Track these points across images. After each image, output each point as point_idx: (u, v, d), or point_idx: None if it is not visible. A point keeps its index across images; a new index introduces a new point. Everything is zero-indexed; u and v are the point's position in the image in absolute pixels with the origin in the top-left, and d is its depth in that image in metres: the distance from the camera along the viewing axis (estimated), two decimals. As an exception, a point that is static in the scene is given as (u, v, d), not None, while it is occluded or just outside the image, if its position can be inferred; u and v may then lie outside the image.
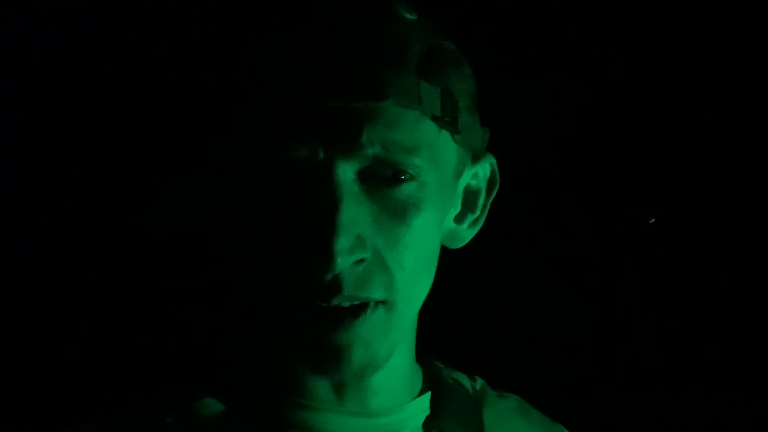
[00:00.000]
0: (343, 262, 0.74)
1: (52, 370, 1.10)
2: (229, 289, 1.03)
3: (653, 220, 1.24)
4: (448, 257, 0.87)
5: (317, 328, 0.77)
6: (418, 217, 0.77)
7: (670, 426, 1.21)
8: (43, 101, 1.14)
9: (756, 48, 1.23)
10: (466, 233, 0.87)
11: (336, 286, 0.75)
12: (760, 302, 1.24)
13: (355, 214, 0.75)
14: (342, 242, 0.74)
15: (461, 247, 0.88)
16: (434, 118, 0.77)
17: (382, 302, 0.78)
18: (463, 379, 0.95)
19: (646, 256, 1.25)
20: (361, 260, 0.76)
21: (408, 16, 0.79)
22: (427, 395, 0.89)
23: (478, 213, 0.87)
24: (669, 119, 1.26)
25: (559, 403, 0.96)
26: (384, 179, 0.76)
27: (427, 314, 0.88)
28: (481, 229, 0.88)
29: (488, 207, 0.87)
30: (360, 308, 0.77)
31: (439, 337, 0.92)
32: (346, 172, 0.75)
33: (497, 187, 0.87)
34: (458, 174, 0.83)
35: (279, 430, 0.83)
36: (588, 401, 1.17)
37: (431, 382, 0.91)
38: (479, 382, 0.96)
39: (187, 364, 0.99)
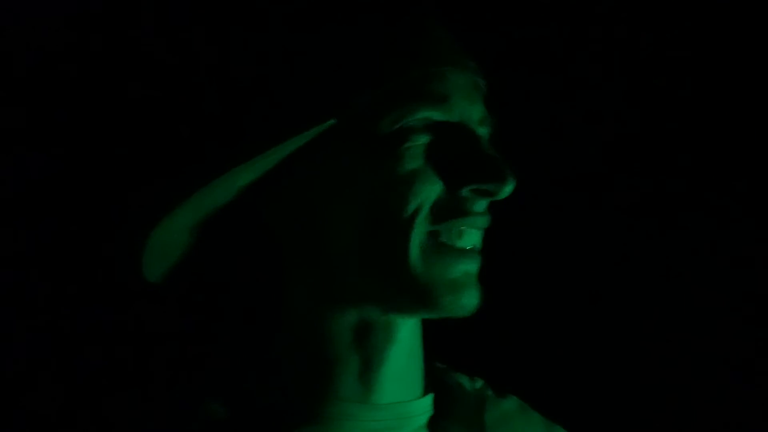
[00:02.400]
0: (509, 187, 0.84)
1: (66, 372, 1.10)
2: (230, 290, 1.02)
3: None
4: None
5: (460, 264, 0.83)
6: None
7: (672, 427, 1.22)
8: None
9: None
10: None
11: (482, 218, 0.86)
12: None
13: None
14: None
15: None
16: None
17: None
18: (464, 381, 0.96)
19: (647, 250, 1.26)
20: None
21: None
22: (431, 396, 0.90)
23: None
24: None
25: (558, 404, 0.97)
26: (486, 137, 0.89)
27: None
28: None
29: None
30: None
31: (439, 337, 0.92)
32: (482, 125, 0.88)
33: None
34: None
35: (282, 419, 0.85)
36: (588, 402, 1.17)
37: (434, 384, 0.92)
38: (479, 383, 0.97)
39: (193, 365, 0.98)
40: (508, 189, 0.83)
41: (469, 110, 0.86)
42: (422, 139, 0.83)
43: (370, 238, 0.82)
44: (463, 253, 0.84)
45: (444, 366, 0.96)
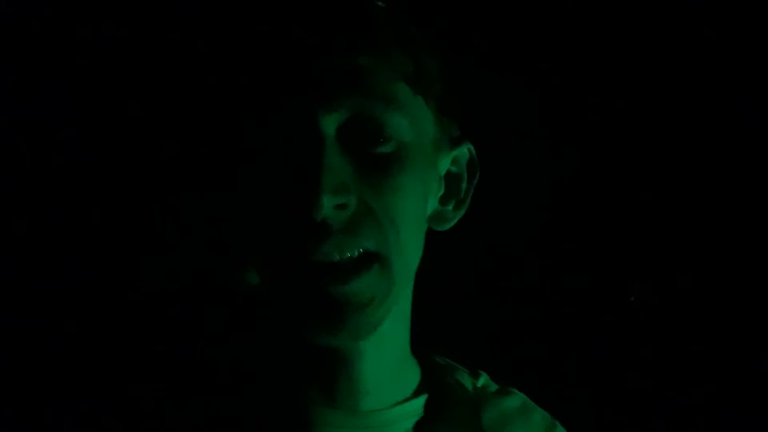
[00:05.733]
0: (328, 201, 0.76)
1: (69, 374, 1.09)
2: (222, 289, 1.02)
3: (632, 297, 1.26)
4: (448, 252, 0.88)
5: (313, 283, 0.78)
6: (401, 175, 0.80)
7: (672, 425, 1.22)
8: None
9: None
10: (452, 215, 0.89)
11: (325, 229, 0.77)
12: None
13: (338, 163, 0.77)
14: (326, 181, 0.76)
15: (468, 245, 0.92)
16: (408, 81, 0.81)
17: (375, 255, 0.79)
18: (464, 378, 0.94)
19: (645, 250, 1.26)
20: (345, 205, 0.77)
21: (379, 3, 0.84)
22: (422, 398, 0.89)
23: (461, 196, 0.90)
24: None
25: (560, 400, 0.96)
26: (365, 137, 0.79)
27: (430, 307, 0.89)
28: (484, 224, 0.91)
29: (471, 191, 0.90)
30: (357, 262, 0.78)
31: (443, 331, 0.92)
32: (329, 125, 0.78)
33: (478, 172, 0.90)
34: (437, 148, 0.86)
35: (269, 425, 0.84)
36: (589, 398, 1.17)
37: (430, 383, 0.90)
38: (482, 379, 0.95)
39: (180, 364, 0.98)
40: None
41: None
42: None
43: None
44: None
45: (445, 362, 0.95)
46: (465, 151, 0.90)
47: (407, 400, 0.88)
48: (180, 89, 1.04)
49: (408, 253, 0.82)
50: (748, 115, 1.24)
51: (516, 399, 0.96)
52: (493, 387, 0.96)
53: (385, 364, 0.86)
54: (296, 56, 0.78)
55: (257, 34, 0.81)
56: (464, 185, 0.90)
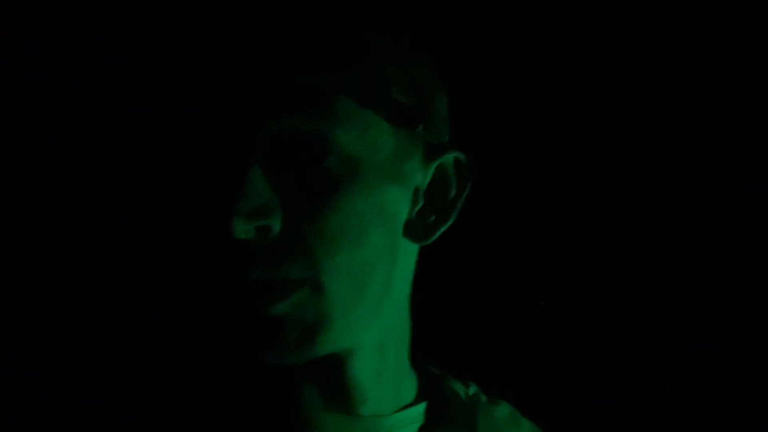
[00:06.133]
0: (241, 226, 0.74)
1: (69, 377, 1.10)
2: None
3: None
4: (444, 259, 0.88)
5: (249, 304, 0.76)
6: (342, 192, 0.77)
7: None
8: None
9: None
10: (432, 228, 0.86)
11: (249, 252, 0.75)
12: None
13: (260, 185, 0.75)
14: (241, 203, 0.74)
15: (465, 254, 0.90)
16: (354, 92, 0.77)
17: (300, 283, 0.76)
18: (459, 388, 0.95)
19: (642, 257, 1.26)
20: (267, 228, 0.75)
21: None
22: (422, 405, 0.89)
23: (445, 209, 0.86)
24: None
25: (549, 409, 0.97)
26: (304, 155, 0.76)
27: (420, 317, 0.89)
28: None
29: (459, 203, 0.87)
30: (285, 285, 0.76)
31: (432, 341, 0.92)
32: (260, 143, 0.75)
33: (469, 183, 0.87)
34: (401, 159, 0.82)
35: (269, 429, 0.83)
36: (578, 407, 1.18)
37: (427, 391, 0.91)
38: (472, 389, 0.96)
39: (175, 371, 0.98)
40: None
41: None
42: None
43: None
44: None
45: (439, 372, 0.96)
46: (450, 160, 0.86)
47: (407, 406, 0.89)
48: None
49: (355, 273, 0.78)
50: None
51: (505, 408, 0.97)
52: (483, 397, 0.97)
53: (384, 374, 0.86)
54: (228, 66, 0.76)
55: (190, 46, 0.78)
56: (450, 196, 0.86)
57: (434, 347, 0.94)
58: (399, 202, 0.83)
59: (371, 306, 0.81)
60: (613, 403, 1.22)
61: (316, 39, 0.77)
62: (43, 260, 1.14)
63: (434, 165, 0.85)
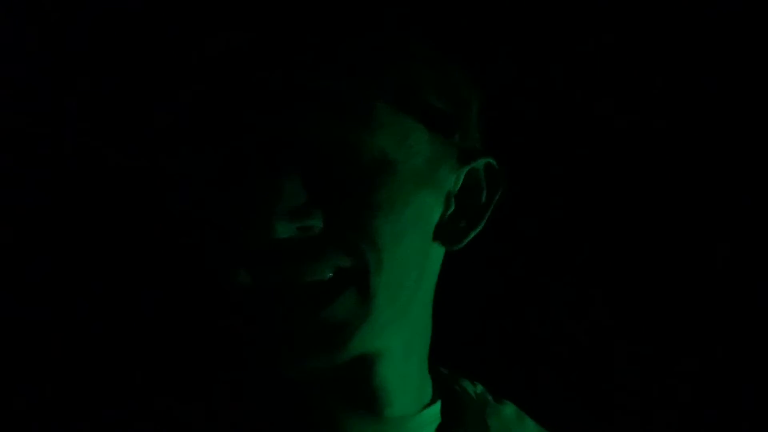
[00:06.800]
0: (283, 228, 0.74)
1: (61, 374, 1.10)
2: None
3: None
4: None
5: (284, 310, 0.76)
6: (380, 193, 0.78)
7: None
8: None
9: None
10: (463, 233, 0.87)
11: (288, 251, 0.75)
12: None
13: (296, 186, 0.75)
14: (282, 206, 0.74)
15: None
16: (390, 98, 0.78)
17: (351, 273, 0.77)
18: (468, 386, 0.96)
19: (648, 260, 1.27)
20: (309, 228, 0.76)
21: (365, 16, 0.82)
22: (438, 404, 0.90)
23: (476, 214, 0.87)
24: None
25: (551, 409, 0.98)
26: (340, 158, 0.77)
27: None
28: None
29: (491, 208, 0.87)
30: (332, 285, 0.77)
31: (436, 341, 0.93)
32: (298, 145, 0.76)
33: (501, 189, 0.87)
34: (435, 164, 0.82)
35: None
36: (581, 408, 1.18)
37: (440, 391, 0.92)
38: (479, 388, 0.98)
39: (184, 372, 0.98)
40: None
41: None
42: None
43: None
44: None
45: (447, 372, 0.96)
46: (481, 166, 0.86)
47: (426, 407, 0.89)
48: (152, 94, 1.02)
49: (393, 272, 0.79)
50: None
51: (510, 407, 0.98)
52: (490, 396, 0.98)
53: (409, 377, 0.86)
54: (260, 71, 0.76)
55: (226, 49, 0.78)
56: (481, 201, 0.87)
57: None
58: (432, 207, 0.83)
59: (402, 307, 0.82)
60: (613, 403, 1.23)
61: (355, 44, 0.78)
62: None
63: (466, 170, 0.85)
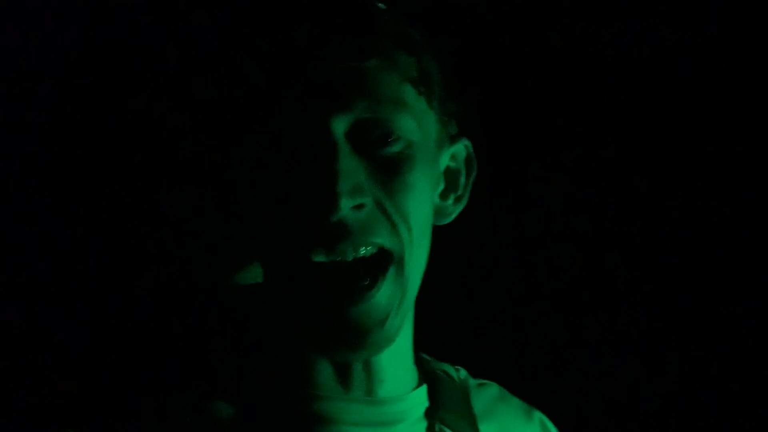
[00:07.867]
0: (346, 204, 0.79)
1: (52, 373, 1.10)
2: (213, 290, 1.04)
3: None
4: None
5: (331, 302, 0.81)
6: (411, 173, 0.83)
7: (646, 411, 1.22)
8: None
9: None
10: (451, 209, 0.92)
11: (343, 229, 0.80)
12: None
13: (352, 165, 0.80)
14: (343, 185, 0.79)
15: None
16: (412, 82, 0.84)
17: (390, 255, 0.82)
18: (450, 370, 0.98)
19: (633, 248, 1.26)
20: (362, 205, 0.81)
21: (380, 5, 0.87)
22: (424, 387, 0.92)
23: (460, 191, 0.92)
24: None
25: (536, 388, 0.97)
26: (375, 140, 0.82)
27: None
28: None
29: (469, 186, 0.93)
30: (372, 266, 0.81)
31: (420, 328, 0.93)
32: (339, 128, 0.81)
33: (476, 168, 0.93)
34: (439, 145, 0.89)
35: (288, 422, 0.84)
36: (563, 385, 1.18)
37: (424, 374, 0.94)
38: (462, 372, 0.99)
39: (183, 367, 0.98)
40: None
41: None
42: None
43: None
44: None
45: (429, 357, 0.98)
46: (462, 147, 0.92)
47: (414, 389, 0.91)
48: (188, 91, 1.05)
49: (419, 251, 0.85)
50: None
51: (494, 388, 1.00)
52: (472, 380, 0.99)
53: (399, 355, 0.89)
54: (304, 61, 0.81)
55: (264, 39, 0.84)
56: (462, 180, 0.93)
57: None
58: (435, 187, 0.90)
59: (417, 288, 0.88)
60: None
61: (383, 32, 0.84)
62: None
63: (451, 150, 0.91)
